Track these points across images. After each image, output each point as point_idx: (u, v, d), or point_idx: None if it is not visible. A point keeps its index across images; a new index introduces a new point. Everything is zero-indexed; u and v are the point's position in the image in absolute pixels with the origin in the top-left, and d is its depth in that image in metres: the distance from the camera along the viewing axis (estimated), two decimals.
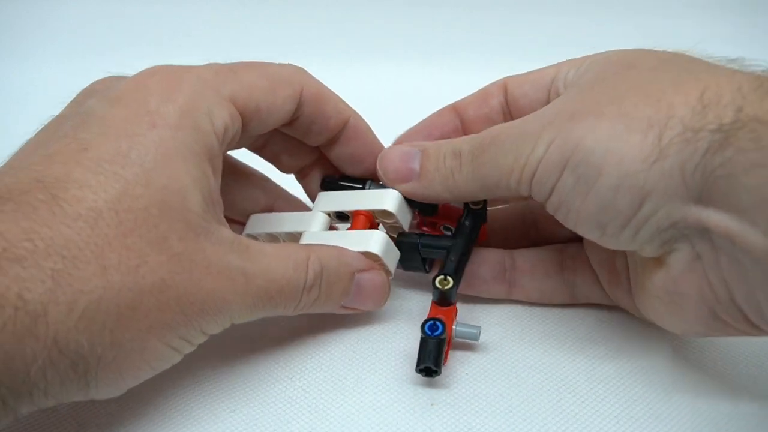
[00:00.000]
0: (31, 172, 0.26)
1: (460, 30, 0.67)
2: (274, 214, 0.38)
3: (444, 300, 0.34)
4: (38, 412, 0.27)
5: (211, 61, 0.33)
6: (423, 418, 0.31)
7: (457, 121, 0.37)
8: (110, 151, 0.27)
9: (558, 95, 0.33)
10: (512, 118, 0.35)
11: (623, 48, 0.32)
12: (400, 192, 0.35)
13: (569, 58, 0.34)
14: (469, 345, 0.35)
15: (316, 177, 0.39)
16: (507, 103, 0.36)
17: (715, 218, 0.26)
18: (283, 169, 0.39)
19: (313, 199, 0.39)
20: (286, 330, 0.36)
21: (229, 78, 0.32)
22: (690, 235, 0.27)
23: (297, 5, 0.66)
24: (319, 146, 0.37)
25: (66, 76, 0.62)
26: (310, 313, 0.33)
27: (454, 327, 0.33)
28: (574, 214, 0.29)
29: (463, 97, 0.38)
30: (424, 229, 0.39)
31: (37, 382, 0.24)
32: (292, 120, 0.35)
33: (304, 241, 0.35)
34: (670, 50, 0.31)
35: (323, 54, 0.64)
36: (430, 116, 0.38)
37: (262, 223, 0.38)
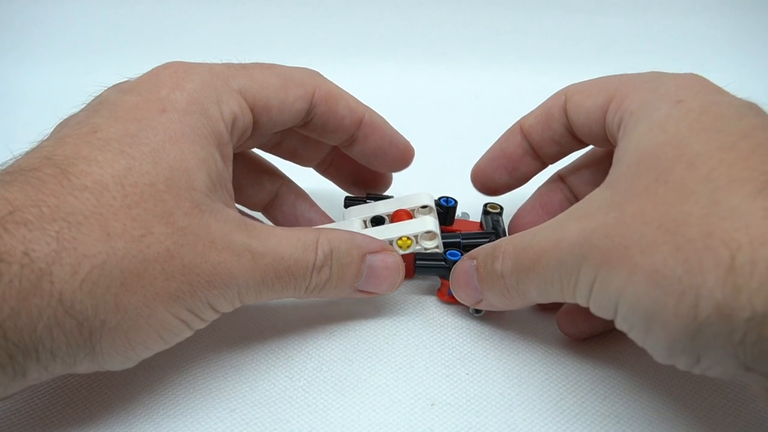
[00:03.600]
0: (42, 152, 0.28)
1: (459, 30, 0.67)
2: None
3: None
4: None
5: (213, 61, 0.33)
6: (423, 418, 0.31)
7: (526, 143, 0.37)
8: (119, 132, 0.29)
9: (613, 136, 0.32)
10: (577, 138, 0.35)
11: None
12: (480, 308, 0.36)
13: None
14: (469, 344, 0.35)
15: (337, 167, 0.41)
16: (570, 125, 0.35)
17: None
18: (303, 162, 0.41)
19: (341, 186, 0.41)
20: (286, 330, 0.36)
21: (240, 73, 0.33)
22: (757, 378, 0.25)
23: (298, 6, 0.66)
24: (340, 146, 0.38)
25: (66, 76, 0.62)
26: (327, 299, 0.34)
27: None
28: (641, 346, 0.27)
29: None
30: None
31: (43, 340, 0.25)
32: (306, 122, 0.36)
33: None
34: (706, 109, 0.28)
35: (324, 54, 0.64)
36: (499, 139, 0.39)
37: None
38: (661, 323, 0.25)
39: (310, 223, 0.40)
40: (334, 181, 0.42)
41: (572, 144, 0.36)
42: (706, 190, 0.25)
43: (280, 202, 0.40)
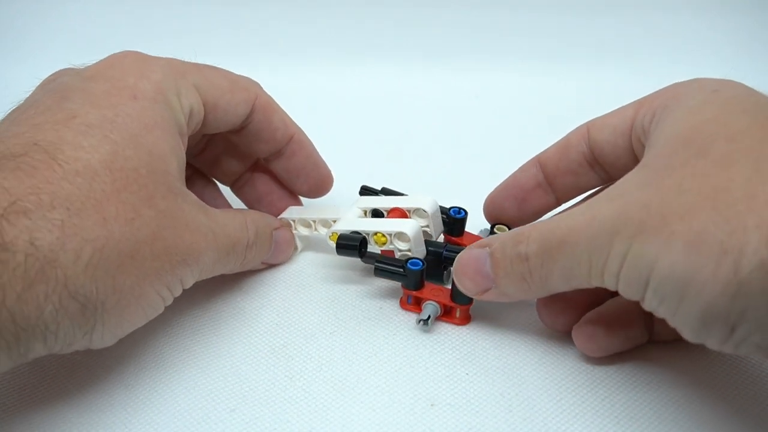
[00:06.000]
0: (23, 138, 0.28)
1: (459, 31, 0.67)
2: (308, 206, 0.43)
3: (458, 295, 0.35)
4: None
5: (210, 63, 0.34)
6: (423, 418, 0.31)
7: (540, 175, 0.37)
8: (97, 118, 0.29)
9: (639, 143, 0.32)
10: (598, 165, 0.35)
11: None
12: (483, 300, 0.34)
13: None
14: (469, 344, 0.35)
15: (252, 187, 0.42)
16: (591, 150, 0.35)
17: None
18: (221, 176, 0.42)
19: (249, 206, 0.42)
20: (286, 330, 0.36)
21: (194, 70, 0.34)
22: None
23: (299, 6, 0.66)
24: (266, 159, 0.40)
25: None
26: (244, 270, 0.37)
27: (430, 302, 0.36)
28: (671, 323, 0.27)
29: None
30: None
31: (49, 323, 0.26)
32: (242, 127, 0.37)
33: (338, 225, 0.38)
34: (745, 98, 0.29)
35: (324, 54, 0.64)
36: (514, 172, 0.38)
37: (298, 211, 0.41)
38: (697, 288, 0.25)
39: (280, 200, 0.42)
40: (244, 201, 0.43)
41: (588, 175, 0.36)
42: (748, 160, 0.25)
43: (254, 178, 0.42)
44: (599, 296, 0.35)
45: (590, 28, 0.66)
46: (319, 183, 0.41)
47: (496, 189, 0.39)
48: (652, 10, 0.67)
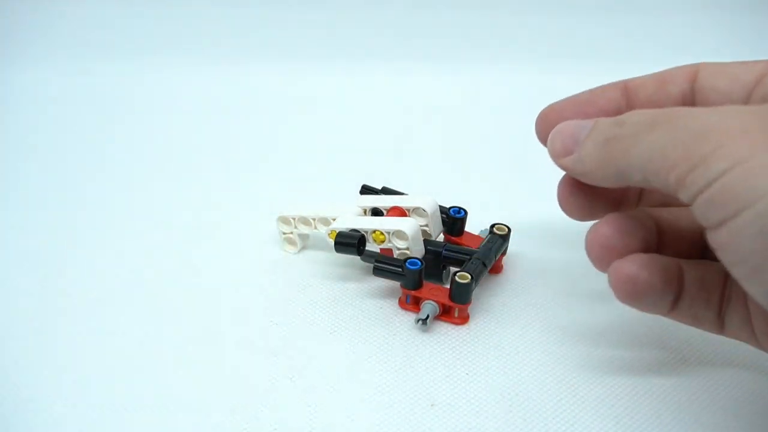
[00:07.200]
0: None
1: (459, 31, 0.67)
2: (308, 204, 0.41)
3: (457, 295, 0.35)
4: None
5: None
6: (423, 418, 0.31)
7: (623, 103, 0.32)
8: None
9: (766, 101, 0.28)
10: None
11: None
12: (560, 166, 0.30)
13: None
14: (469, 343, 0.35)
15: None
16: (693, 93, 0.31)
17: None
18: None
19: None
20: (286, 331, 0.36)
21: None
22: None
23: (295, 6, 0.66)
24: None
25: (66, 76, 0.62)
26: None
27: (428, 301, 0.35)
28: (747, 269, 0.23)
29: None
30: None
31: None
32: None
33: (337, 223, 0.38)
34: None
35: (322, 55, 0.64)
36: (591, 90, 0.33)
37: (297, 208, 0.40)
38: None
39: None
40: None
41: None
42: None
43: None
44: (624, 196, 0.32)
45: (590, 28, 0.66)
46: None
47: (562, 101, 0.33)
48: (652, 10, 0.67)
